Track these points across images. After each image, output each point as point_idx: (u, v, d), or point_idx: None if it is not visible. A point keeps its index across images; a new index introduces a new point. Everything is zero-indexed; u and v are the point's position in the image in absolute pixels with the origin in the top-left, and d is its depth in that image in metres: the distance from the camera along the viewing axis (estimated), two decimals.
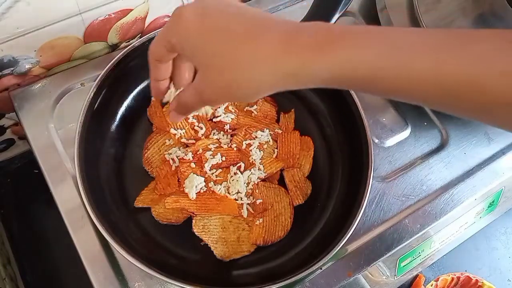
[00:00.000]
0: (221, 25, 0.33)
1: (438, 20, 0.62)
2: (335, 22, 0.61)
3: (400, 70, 0.29)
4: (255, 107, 0.61)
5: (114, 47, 0.64)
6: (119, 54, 0.54)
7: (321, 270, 0.53)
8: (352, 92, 0.55)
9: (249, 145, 0.57)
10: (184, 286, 0.45)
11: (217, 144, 0.57)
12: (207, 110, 0.50)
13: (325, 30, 0.31)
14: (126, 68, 0.55)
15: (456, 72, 0.28)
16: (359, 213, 0.49)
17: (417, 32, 0.31)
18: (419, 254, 0.65)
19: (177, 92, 0.42)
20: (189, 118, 0.58)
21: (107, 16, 0.57)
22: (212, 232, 0.53)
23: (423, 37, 0.30)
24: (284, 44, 0.31)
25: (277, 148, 0.59)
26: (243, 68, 0.32)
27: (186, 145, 0.57)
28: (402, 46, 0.30)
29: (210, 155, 0.56)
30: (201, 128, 0.58)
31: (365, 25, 0.32)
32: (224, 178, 0.55)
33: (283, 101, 0.62)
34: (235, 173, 0.56)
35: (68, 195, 0.53)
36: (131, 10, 0.59)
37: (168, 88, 0.42)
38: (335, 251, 0.47)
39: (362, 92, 0.34)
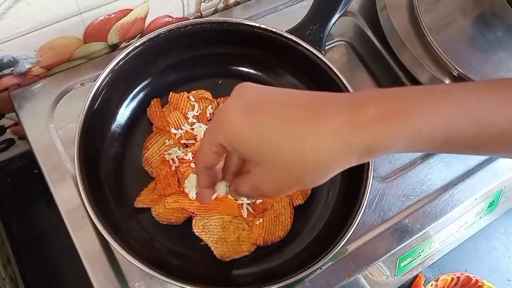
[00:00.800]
0: (273, 118, 0.31)
1: (438, 20, 0.62)
2: (335, 22, 0.61)
3: (478, 128, 0.29)
4: None
5: (114, 47, 0.64)
6: (119, 54, 0.54)
7: (321, 270, 0.53)
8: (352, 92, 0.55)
9: None
10: (184, 286, 0.45)
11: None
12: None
13: (386, 99, 0.30)
14: (126, 68, 0.55)
15: None
16: (359, 213, 0.49)
17: (479, 85, 0.31)
18: (419, 254, 0.65)
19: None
20: (189, 118, 0.58)
21: (107, 16, 0.57)
22: (212, 232, 0.53)
23: (489, 90, 0.30)
24: (350, 122, 0.30)
25: None
26: (309, 156, 0.31)
27: (186, 145, 0.57)
28: (473, 102, 0.29)
29: None
30: (200, 127, 0.58)
31: (418, 86, 0.31)
32: None
33: None
34: None
35: (68, 195, 0.53)
36: (131, 10, 0.59)
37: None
38: (335, 251, 0.47)
39: (443, 152, 0.33)
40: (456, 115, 0.29)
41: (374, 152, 0.31)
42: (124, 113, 0.58)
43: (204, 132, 0.35)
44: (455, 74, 0.58)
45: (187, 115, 0.58)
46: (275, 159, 0.32)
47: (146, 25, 0.63)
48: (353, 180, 0.54)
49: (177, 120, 0.58)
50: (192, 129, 0.58)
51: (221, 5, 0.69)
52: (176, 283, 0.45)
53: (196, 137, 0.57)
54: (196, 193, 0.54)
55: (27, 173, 0.72)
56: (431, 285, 0.72)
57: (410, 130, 0.29)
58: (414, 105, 0.30)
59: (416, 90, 0.31)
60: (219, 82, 0.63)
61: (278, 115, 0.32)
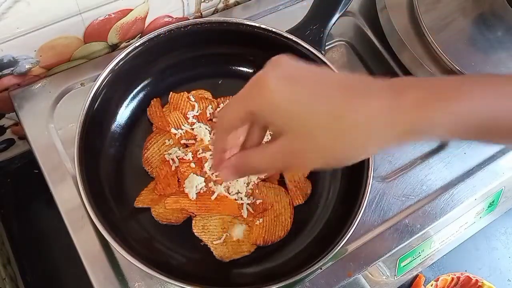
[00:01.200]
0: (313, 92, 0.31)
1: (438, 20, 0.62)
2: (335, 22, 0.61)
3: None
4: None
5: (114, 47, 0.64)
6: (119, 54, 0.54)
7: (321, 270, 0.53)
8: None
9: None
10: (184, 286, 0.45)
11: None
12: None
13: (425, 86, 0.31)
14: (126, 68, 0.55)
15: None
16: (359, 213, 0.49)
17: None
18: (419, 254, 0.65)
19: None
20: (189, 118, 0.58)
21: (107, 16, 0.57)
22: (212, 233, 0.53)
23: None
24: (392, 106, 0.30)
25: None
26: (347, 133, 0.31)
27: (186, 145, 0.57)
28: None
29: (210, 155, 0.56)
30: (200, 127, 0.58)
31: (455, 75, 0.32)
32: None
33: None
34: None
35: (68, 195, 0.53)
36: (131, 10, 0.59)
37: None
38: (335, 251, 0.47)
39: (482, 142, 0.33)
40: (500, 102, 0.29)
41: (413, 135, 0.31)
42: (124, 113, 0.58)
43: (233, 98, 0.34)
44: None
45: (187, 115, 0.58)
46: (311, 132, 0.31)
47: (146, 25, 0.63)
48: (353, 180, 0.54)
49: (177, 120, 0.58)
50: (192, 129, 0.58)
51: (221, 5, 0.69)
52: (176, 283, 0.45)
53: (196, 137, 0.57)
54: (196, 193, 0.54)
55: (27, 173, 0.72)
56: (431, 285, 0.72)
57: (452, 114, 0.29)
58: (456, 91, 0.30)
59: (455, 78, 0.32)
60: (219, 82, 0.63)
61: (318, 90, 0.31)
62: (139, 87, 0.60)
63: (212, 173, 0.55)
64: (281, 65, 0.33)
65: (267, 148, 0.35)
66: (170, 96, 0.60)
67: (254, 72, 0.34)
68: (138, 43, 0.55)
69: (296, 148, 0.33)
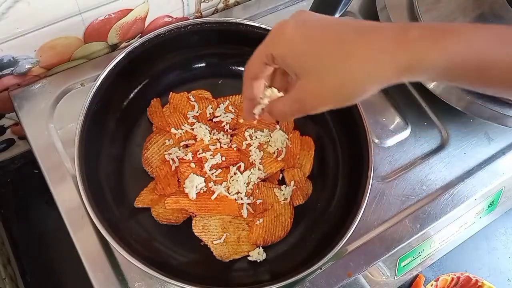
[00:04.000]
0: (327, 31, 0.34)
1: (438, 20, 0.62)
2: None
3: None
4: None
5: (114, 47, 0.64)
6: (119, 54, 0.54)
7: (321, 270, 0.53)
8: None
9: (249, 145, 0.57)
10: (184, 286, 0.45)
11: (217, 144, 0.57)
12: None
13: (430, 26, 0.33)
14: (126, 68, 0.55)
15: None
16: (359, 213, 0.49)
17: None
18: (419, 254, 0.65)
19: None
20: (189, 118, 0.58)
21: (107, 16, 0.57)
22: (212, 233, 0.53)
23: None
24: (396, 39, 0.32)
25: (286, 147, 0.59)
26: (356, 65, 0.33)
27: (186, 145, 0.57)
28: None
29: (210, 155, 0.56)
30: (201, 127, 0.58)
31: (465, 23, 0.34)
32: (224, 178, 0.55)
33: None
34: (235, 173, 0.56)
35: (68, 195, 0.53)
36: (131, 10, 0.59)
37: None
38: (335, 251, 0.47)
39: (471, 86, 0.35)
40: (496, 44, 0.31)
41: (415, 71, 0.32)
42: (124, 113, 0.58)
43: (257, 47, 0.38)
44: None
45: (187, 115, 0.58)
46: (324, 70, 0.34)
47: (146, 25, 0.63)
48: (353, 180, 0.54)
49: (177, 120, 0.58)
50: (192, 129, 0.58)
51: (221, 5, 0.69)
52: (176, 283, 0.45)
53: (196, 137, 0.57)
54: (196, 193, 0.54)
55: (27, 173, 0.72)
56: (431, 285, 0.72)
57: (453, 51, 0.31)
58: (457, 32, 0.32)
59: (459, 23, 0.34)
60: (219, 82, 0.63)
61: (331, 30, 0.34)
62: (139, 87, 0.60)
63: (212, 173, 0.55)
64: (300, 15, 0.37)
65: (288, 96, 0.38)
66: (170, 96, 0.60)
67: None
68: (138, 43, 0.55)
69: (309, 89, 0.35)
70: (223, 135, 0.58)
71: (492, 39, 0.31)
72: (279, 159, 0.58)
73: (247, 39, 0.58)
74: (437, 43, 0.31)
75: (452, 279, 0.74)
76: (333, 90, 0.34)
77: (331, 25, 0.35)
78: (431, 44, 0.31)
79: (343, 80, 0.33)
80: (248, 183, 0.55)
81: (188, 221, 0.54)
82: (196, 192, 0.54)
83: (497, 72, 0.31)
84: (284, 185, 0.57)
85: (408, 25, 0.33)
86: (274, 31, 0.37)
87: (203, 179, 0.54)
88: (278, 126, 0.60)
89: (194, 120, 0.58)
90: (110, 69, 0.53)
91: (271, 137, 0.59)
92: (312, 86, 0.35)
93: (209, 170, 0.55)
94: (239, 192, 0.55)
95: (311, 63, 0.34)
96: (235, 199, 0.55)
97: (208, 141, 0.57)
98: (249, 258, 0.53)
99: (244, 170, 0.56)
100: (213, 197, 0.54)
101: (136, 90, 0.59)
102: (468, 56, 0.31)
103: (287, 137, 0.59)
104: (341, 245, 0.48)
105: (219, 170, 0.56)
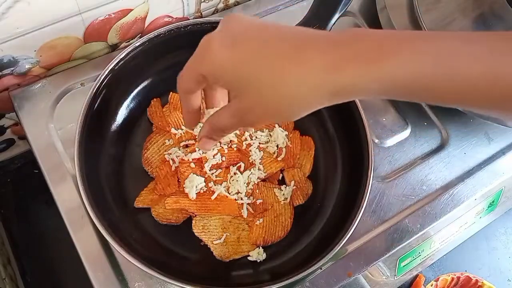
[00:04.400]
0: (256, 50, 0.32)
1: (438, 20, 0.62)
2: (335, 22, 0.61)
3: (453, 77, 0.29)
4: None
5: (114, 47, 0.64)
6: (119, 54, 0.54)
7: (321, 270, 0.53)
8: None
9: (249, 145, 0.57)
10: (184, 286, 0.45)
11: (217, 144, 0.57)
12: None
13: (364, 41, 0.31)
14: (126, 68, 0.55)
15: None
16: (359, 213, 0.49)
17: (458, 36, 0.31)
18: (419, 254, 0.65)
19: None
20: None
21: (107, 16, 0.57)
22: (212, 233, 0.53)
23: (468, 42, 0.30)
24: (331, 59, 0.31)
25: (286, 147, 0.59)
26: (289, 87, 0.31)
27: (186, 145, 0.57)
28: (451, 53, 0.29)
29: (210, 155, 0.56)
30: (200, 127, 0.57)
31: (403, 31, 0.32)
32: (224, 178, 0.55)
33: None
34: (235, 173, 0.56)
35: (68, 195, 0.53)
36: (131, 10, 0.59)
37: (200, 118, 0.42)
38: (335, 251, 0.47)
39: (410, 100, 0.33)
40: (435, 61, 0.29)
41: (351, 92, 0.31)
42: (124, 113, 0.58)
43: (188, 61, 0.36)
44: None
45: None
46: (252, 86, 0.32)
47: (146, 25, 0.63)
48: (353, 180, 0.54)
49: (177, 120, 0.58)
50: (192, 129, 0.58)
51: (221, 5, 0.69)
52: (176, 283, 0.45)
53: (196, 137, 0.57)
54: (196, 193, 0.54)
55: (27, 173, 0.72)
56: (431, 285, 0.72)
57: (388, 72, 0.30)
58: (394, 52, 0.30)
59: (396, 33, 0.32)
60: None
61: (261, 49, 0.32)
62: (139, 87, 0.60)
63: (212, 173, 0.55)
64: (227, 27, 0.34)
65: (227, 108, 0.36)
66: (170, 96, 0.60)
67: None
68: (138, 43, 0.55)
69: (247, 106, 0.34)
70: None
71: (429, 60, 0.29)
72: (279, 159, 0.58)
73: None
74: (370, 65, 0.30)
75: (452, 279, 0.74)
76: (273, 109, 0.33)
77: (262, 39, 0.32)
78: (365, 66, 0.30)
79: (279, 102, 0.32)
80: (248, 183, 0.56)
81: (188, 221, 0.54)
82: (196, 192, 0.54)
83: (440, 92, 0.30)
84: (284, 185, 0.57)
85: (340, 40, 0.31)
86: (200, 47, 0.34)
87: (203, 179, 0.54)
88: (277, 125, 0.60)
89: None
90: (110, 69, 0.53)
91: (271, 136, 0.59)
92: (245, 105, 0.34)
93: (209, 170, 0.55)
94: (239, 192, 0.55)
95: (246, 83, 0.33)
96: (235, 199, 0.55)
97: None
98: (249, 258, 0.53)
99: (244, 170, 0.56)
100: (213, 197, 0.54)
101: (136, 90, 0.59)
102: (405, 78, 0.30)
103: (287, 133, 0.59)
104: (341, 245, 0.48)
105: (219, 170, 0.56)
